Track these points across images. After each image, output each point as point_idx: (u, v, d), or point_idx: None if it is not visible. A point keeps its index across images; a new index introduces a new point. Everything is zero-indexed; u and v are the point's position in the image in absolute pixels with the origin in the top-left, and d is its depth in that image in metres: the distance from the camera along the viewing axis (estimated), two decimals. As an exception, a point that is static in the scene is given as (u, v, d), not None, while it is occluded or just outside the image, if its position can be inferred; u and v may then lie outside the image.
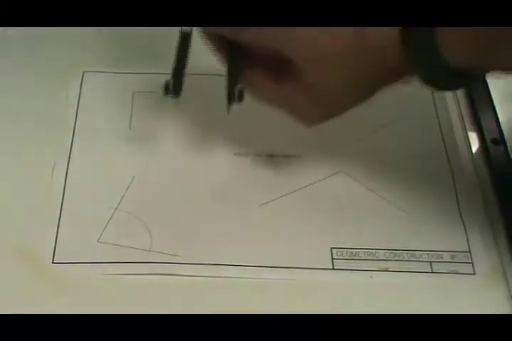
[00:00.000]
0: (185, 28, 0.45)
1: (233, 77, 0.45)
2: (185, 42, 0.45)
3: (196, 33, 0.44)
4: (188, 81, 0.49)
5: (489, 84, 0.55)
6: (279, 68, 0.44)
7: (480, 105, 0.54)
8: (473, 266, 0.45)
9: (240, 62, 0.45)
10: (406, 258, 0.45)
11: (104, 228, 0.46)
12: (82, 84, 0.54)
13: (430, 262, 0.45)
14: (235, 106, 0.45)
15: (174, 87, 0.46)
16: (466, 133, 0.53)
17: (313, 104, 0.43)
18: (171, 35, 0.43)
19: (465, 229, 0.47)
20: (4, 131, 0.51)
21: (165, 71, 0.54)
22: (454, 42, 0.39)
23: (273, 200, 0.48)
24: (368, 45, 0.41)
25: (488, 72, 0.41)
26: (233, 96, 0.45)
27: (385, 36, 0.40)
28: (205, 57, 0.56)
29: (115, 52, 0.55)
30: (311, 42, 0.41)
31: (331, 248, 0.45)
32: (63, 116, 0.52)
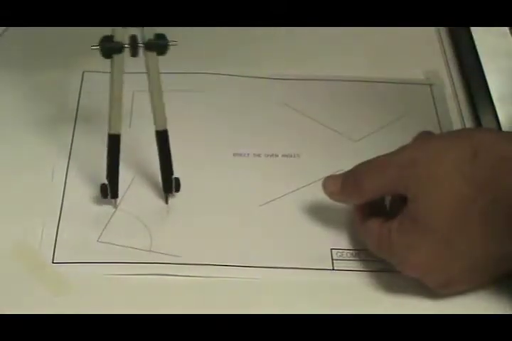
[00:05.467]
0: (113, 131, 0.44)
1: (167, 168, 0.45)
2: (114, 143, 0.45)
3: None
4: (188, 81, 0.50)
5: (489, 84, 0.55)
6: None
7: (480, 105, 0.54)
8: (473, 266, 0.45)
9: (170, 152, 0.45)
10: (406, 259, 0.45)
11: (104, 228, 0.46)
12: (82, 84, 0.54)
13: (430, 262, 0.45)
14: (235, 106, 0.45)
15: (111, 190, 0.46)
16: (466, 133, 0.53)
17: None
18: (170, 34, 0.43)
19: (465, 229, 0.47)
20: (4, 130, 0.51)
21: (165, 70, 0.54)
22: None
23: (273, 200, 0.48)
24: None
25: None
26: (170, 186, 0.46)
27: None
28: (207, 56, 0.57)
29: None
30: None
31: (331, 249, 0.45)
32: (63, 115, 0.52)
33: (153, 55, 0.42)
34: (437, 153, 0.40)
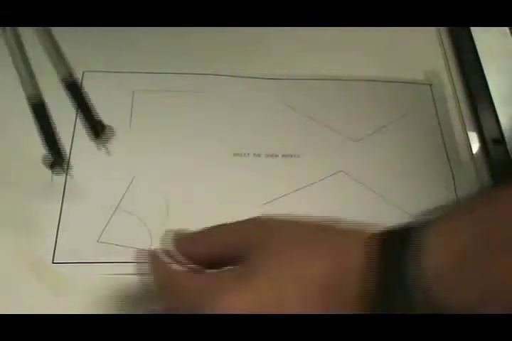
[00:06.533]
0: (34, 100, 0.42)
1: (88, 112, 0.44)
2: (40, 112, 0.43)
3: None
4: (188, 81, 0.49)
5: (489, 84, 0.55)
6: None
7: (480, 105, 0.54)
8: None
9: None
10: (406, 259, 0.45)
11: (104, 228, 0.46)
12: (82, 84, 0.54)
13: (430, 262, 0.45)
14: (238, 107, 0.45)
15: (56, 157, 0.43)
16: (466, 133, 0.53)
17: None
18: (170, 34, 0.43)
19: (465, 229, 0.47)
20: (4, 131, 0.51)
21: (165, 70, 0.55)
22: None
23: (273, 200, 0.48)
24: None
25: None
26: (99, 128, 0.44)
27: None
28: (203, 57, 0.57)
29: (115, 51, 0.55)
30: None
31: (331, 248, 0.45)
32: (63, 116, 0.52)
33: None
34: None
